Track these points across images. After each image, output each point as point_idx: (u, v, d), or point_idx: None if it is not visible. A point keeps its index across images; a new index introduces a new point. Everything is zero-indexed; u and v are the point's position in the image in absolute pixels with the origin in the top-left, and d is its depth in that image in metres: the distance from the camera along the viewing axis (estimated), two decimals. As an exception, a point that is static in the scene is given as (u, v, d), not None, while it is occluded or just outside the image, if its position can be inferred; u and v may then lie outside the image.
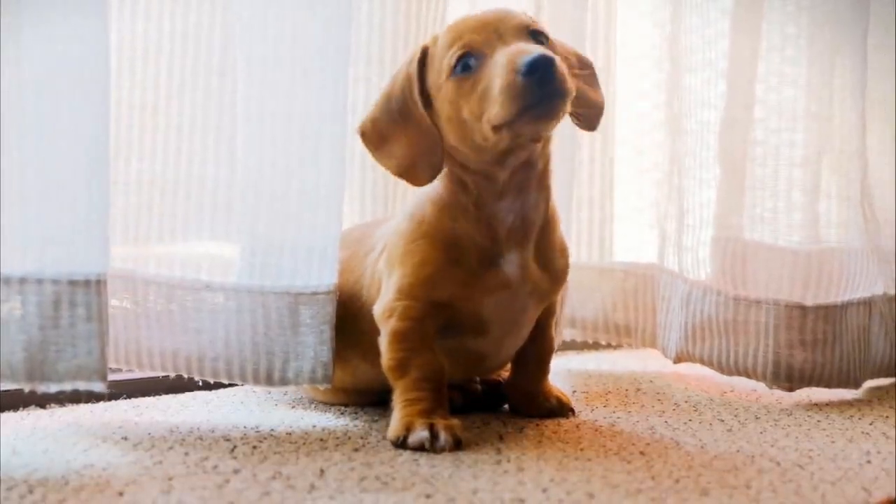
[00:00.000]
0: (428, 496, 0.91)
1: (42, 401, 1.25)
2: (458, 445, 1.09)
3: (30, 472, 0.97)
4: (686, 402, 1.38)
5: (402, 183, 1.46)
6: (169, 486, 0.93)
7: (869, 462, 1.08)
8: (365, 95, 1.39)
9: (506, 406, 1.30)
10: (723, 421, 1.27)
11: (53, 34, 1.02)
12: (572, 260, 1.25)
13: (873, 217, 1.55)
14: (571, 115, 1.14)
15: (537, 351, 1.26)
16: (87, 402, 1.28)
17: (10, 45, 1.01)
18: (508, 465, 1.03)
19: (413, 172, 1.15)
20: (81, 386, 1.03)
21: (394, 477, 0.98)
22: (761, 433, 1.21)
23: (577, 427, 1.21)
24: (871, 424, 1.27)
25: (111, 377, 1.19)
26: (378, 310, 1.16)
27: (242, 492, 0.92)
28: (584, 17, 1.54)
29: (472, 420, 1.23)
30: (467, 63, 1.08)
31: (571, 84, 1.06)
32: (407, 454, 1.07)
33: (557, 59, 1.04)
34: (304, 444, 1.11)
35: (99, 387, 1.04)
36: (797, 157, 1.48)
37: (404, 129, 1.14)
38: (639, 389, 1.46)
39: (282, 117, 1.18)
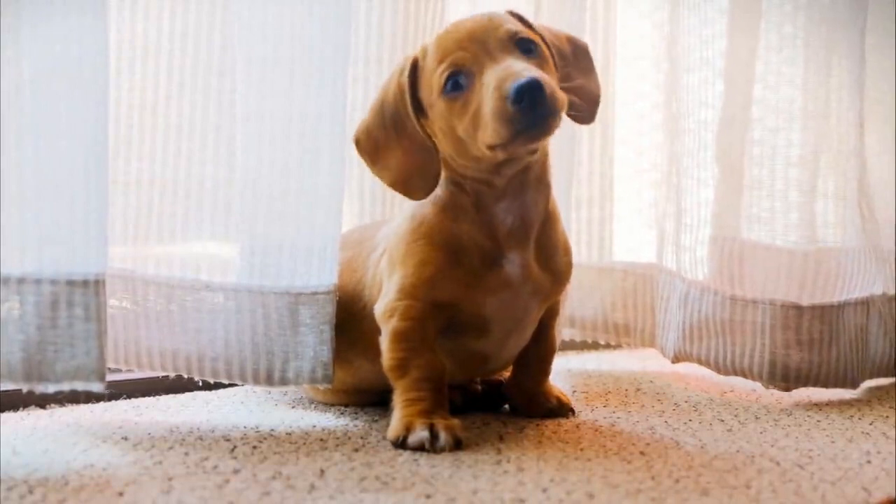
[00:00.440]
0: (428, 496, 0.91)
1: (42, 401, 1.25)
2: (458, 445, 1.08)
3: (30, 472, 0.97)
4: (686, 402, 1.38)
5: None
6: (169, 486, 0.93)
7: (869, 462, 1.08)
8: (363, 96, 1.39)
9: (506, 406, 1.30)
10: (723, 421, 1.27)
11: (53, 34, 1.02)
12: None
13: (871, 217, 1.55)
14: (567, 113, 1.14)
15: (539, 351, 1.26)
16: (86, 402, 1.28)
17: (9, 45, 1.01)
18: (508, 465, 1.03)
19: (408, 186, 1.15)
20: (80, 386, 1.03)
21: (394, 477, 0.97)
22: (761, 433, 1.20)
23: (577, 427, 1.21)
24: (871, 424, 1.27)
25: (111, 377, 1.20)
26: (379, 310, 1.16)
27: (242, 492, 0.92)
28: (583, 18, 1.54)
29: (472, 420, 1.22)
30: (457, 82, 1.08)
31: (563, 98, 1.05)
32: (407, 454, 1.06)
33: (546, 79, 1.04)
34: (304, 444, 1.11)
35: (97, 387, 1.04)
36: (794, 156, 1.48)
37: (399, 141, 1.14)
38: (639, 389, 1.46)
39: (281, 117, 1.18)
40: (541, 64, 1.10)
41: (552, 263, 1.19)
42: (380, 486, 0.94)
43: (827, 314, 1.44)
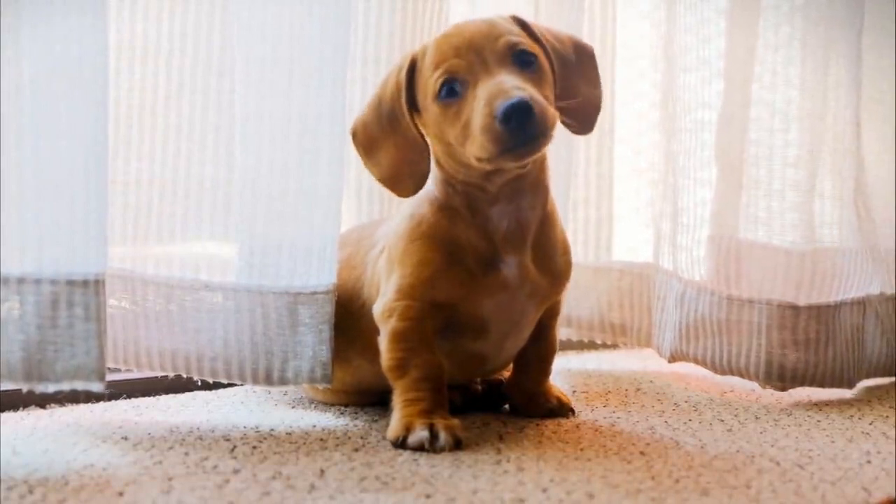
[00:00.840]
0: (428, 496, 0.91)
1: (42, 401, 1.25)
2: (458, 445, 1.08)
3: (30, 472, 0.97)
4: (686, 402, 1.38)
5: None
6: (169, 486, 0.93)
7: (869, 462, 1.08)
8: (362, 96, 1.39)
9: (506, 406, 1.30)
10: (723, 421, 1.27)
11: (53, 34, 1.02)
12: (569, 259, 1.25)
13: (868, 216, 1.55)
14: (563, 123, 1.15)
15: (540, 351, 1.26)
16: (86, 402, 1.28)
17: (9, 45, 1.01)
18: (508, 465, 1.03)
19: (397, 182, 1.15)
20: (79, 386, 1.03)
21: (394, 477, 0.97)
22: (761, 433, 1.20)
23: (577, 427, 1.21)
24: (871, 424, 1.27)
25: (111, 377, 1.20)
26: (378, 310, 1.16)
27: (242, 492, 0.92)
28: (581, 18, 1.54)
29: (472, 420, 1.22)
30: (452, 88, 1.09)
31: (553, 116, 1.05)
32: (407, 454, 1.06)
33: (536, 99, 1.04)
34: (304, 444, 1.11)
35: (97, 387, 1.04)
36: (792, 156, 1.48)
37: (392, 137, 1.14)
38: (639, 389, 1.46)
39: (280, 117, 1.18)
40: (537, 79, 1.10)
41: (551, 265, 1.19)
42: (380, 486, 0.94)
43: (823, 314, 1.44)
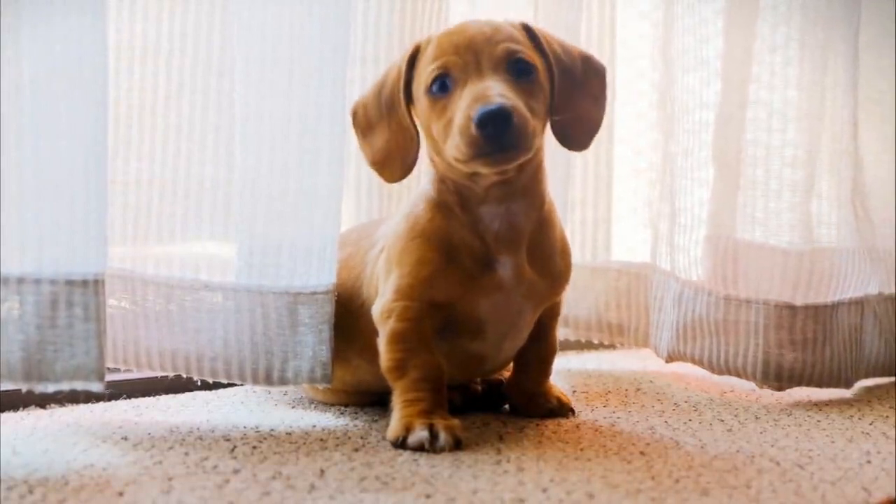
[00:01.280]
0: (428, 496, 0.91)
1: (42, 401, 1.24)
2: (457, 445, 1.08)
3: (30, 472, 0.97)
4: (686, 402, 1.38)
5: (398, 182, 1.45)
6: (169, 486, 0.93)
7: (869, 462, 1.08)
8: (360, 95, 1.39)
9: (506, 406, 1.30)
10: (723, 421, 1.27)
11: (53, 34, 1.02)
12: (567, 259, 1.25)
13: (866, 217, 1.55)
14: (557, 137, 1.15)
15: (540, 352, 1.26)
16: (86, 402, 1.28)
17: (9, 45, 1.01)
18: (508, 465, 1.03)
19: (385, 167, 1.17)
20: (79, 386, 1.03)
21: (394, 477, 0.97)
22: (761, 433, 1.20)
23: (577, 427, 1.21)
24: (871, 424, 1.27)
25: (111, 377, 1.20)
26: (376, 311, 1.16)
27: (242, 492, 0.92)
28: (579, 18, 1.54)
29: (472, 420, 1.22)
30: (444, 83, 1.09)
31: (533, 133, 1.06)
32: (407, 454, 1.06)
33: (519, 111, 1.04)
34: (304, 444, 1.11)
35: (96, 387, 1.04)
36: (789, 156, 1.48)
37: (388, 122, 1.16)
38: (639, 389, 1.46)
39: (280, 117, 1.18)
40: (530, 90, 1.10)
41: (549, 267, 1.19)
42: (380, 486, 0.94)
43: (820, 314, 1.44)
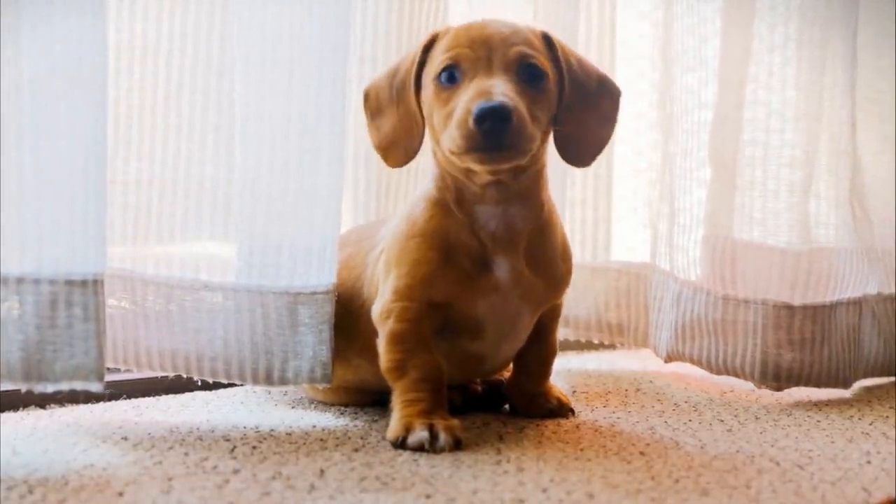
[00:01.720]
0: (428, 496, 0.91)
1: (42, 401, 1.24)
2: (457, 446, 1.08)
3: (30, 472, 0.97)
4: (686, 402, 1.38)
5: (397, 182, 1.46)
6: (169, 486, 0.93)
7: (869, 462, 1.08)
8: (359, 95, 1.39)
9: (506, 406, 1.30)
10: (723, 421, 1.27)
11: (53, 34, 1.02)
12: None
13: (865, 217, 1.55)
14: (558, 149, 1.15)
15: (540, 352, 1.26)
16: (86, 402, 1.27)
17: (9, 45, 1.01)
18: (508, 465, 1.03)
19: (389, 151, 1.17)
20: (78, 386, 1.03)
21: (394, 477, 0.97)
22: (761, 433, 1.21)
23: (577, 427, 1.21)
24: (871, 424, 1.27)
25: (111, 377, 1.20)
26: (376, 311, 1.16)
27: (242, 492, 0.92)
28: (577, 17, 1.54)
29: (472, 420, 1.22)
30: (452, 74, 1.10)
31: (528, 140, 1.06)
32: (407, 454, 1.06)
33: (520, 112, 1.04)
34: (304, 444, 1.11)
35: (96, 387, 1.04)
36: (787, 156, 1.48)
37: (396, 107, 1.16)
38: (639, 389, 1.46)
39: (280, 117, 1.18)
40: (536, 97, 1.10)
41: (549, 270, 1.19)
42: (380, 486, 0.94)
43: (818, 314, 1.44)
